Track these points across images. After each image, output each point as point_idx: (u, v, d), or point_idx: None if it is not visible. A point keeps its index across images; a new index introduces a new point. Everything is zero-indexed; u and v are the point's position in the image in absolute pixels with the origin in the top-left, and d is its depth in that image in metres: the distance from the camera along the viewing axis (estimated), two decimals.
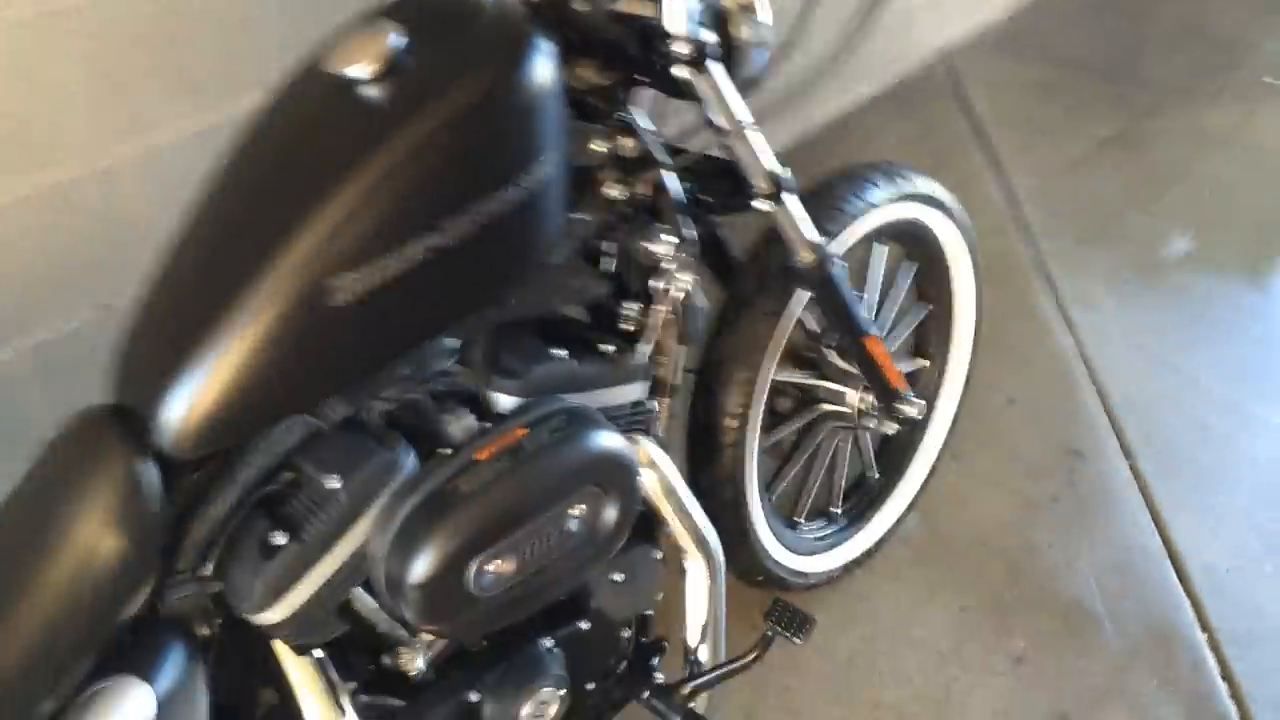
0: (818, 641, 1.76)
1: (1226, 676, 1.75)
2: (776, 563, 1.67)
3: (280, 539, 1.02)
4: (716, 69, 1.18)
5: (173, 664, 0.98)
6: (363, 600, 1.14)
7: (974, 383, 2.03)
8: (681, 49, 1.13)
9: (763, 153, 1.28)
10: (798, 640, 1.33)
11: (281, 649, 1.09)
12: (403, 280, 0.97)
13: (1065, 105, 3.12)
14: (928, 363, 1.89)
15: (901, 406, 1.65)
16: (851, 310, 1.49)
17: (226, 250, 0.98)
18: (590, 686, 1.35)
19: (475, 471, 1.04)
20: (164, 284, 1.00)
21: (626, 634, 1.38)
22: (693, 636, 1.37)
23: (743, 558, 1.61)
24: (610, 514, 1.13)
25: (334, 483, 1.02)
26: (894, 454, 1.92)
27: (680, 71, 1.14)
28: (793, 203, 1.34)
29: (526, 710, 1.23)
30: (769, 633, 1.35)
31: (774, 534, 1.66)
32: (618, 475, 1.12)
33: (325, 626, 1.09)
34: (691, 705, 1.35)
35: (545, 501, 1.07)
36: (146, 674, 0.95)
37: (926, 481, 1.94)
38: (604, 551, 1.16)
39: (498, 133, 1.00)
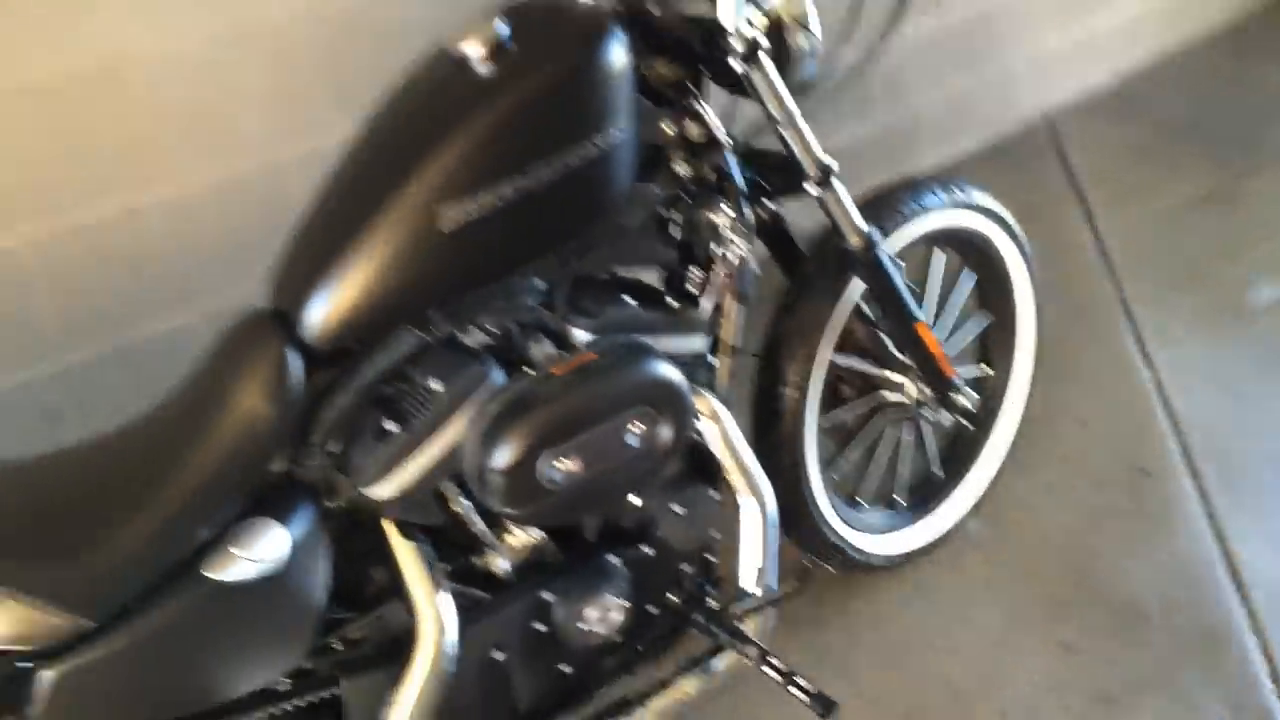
0: (877, 617, 1.92)
1: (1275, 678, 1.81)
2: (835, 533, 1.82)
3: (392, 427, 1.26)
4: (768, 64, 1.41)
5: (304, 518, 1.23)
6: (459, 502, 1.36)
7: (1049, 405, 2.21)
8: (736, 44, 1.37)
9: (812, 143, 1.50)
10: (831, 568, 1.50)
11: (391, 531, 1.32)
12: (496, 214, 1.21)
13: (1163, 165, 3.21)
14: (991, 371, 2.05)
15: (953, 396, 1.81)
16: (901, 296, 1.67)
17: (361, 188, 1.25)
18: (652, 610, 1.53)
19: (550, 383, 1.27)
20: (311, 216, 1.27)
21: (688, 568, 1.56)
22: (744, 569, 1.54)
23: (802, 525, 1.77)
24: (664, 434, 1.33)
25: (437, 386, 1.26)
26: (959, 455, 2.06)
27: (736, 64, 1.38)
28: (840, 189, 1.55)
29: (592, 614, 1.43)
30: (808, 563, 1.52)
31: (833, 507, 1.82)
32: (671, 400, 1.32)
33: (425, 510, 1.32)
34: (739, 626, 1.52)
35: (606, 412, 1.28)
36: (284, 521, 1.20)
37: (992, 485, 2.07)
38: (657, 469, 1.37)
39: (576, 101, 1.24)
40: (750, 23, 1.38)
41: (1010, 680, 1.81)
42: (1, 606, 1.03)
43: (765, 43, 1.39)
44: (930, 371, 1.78)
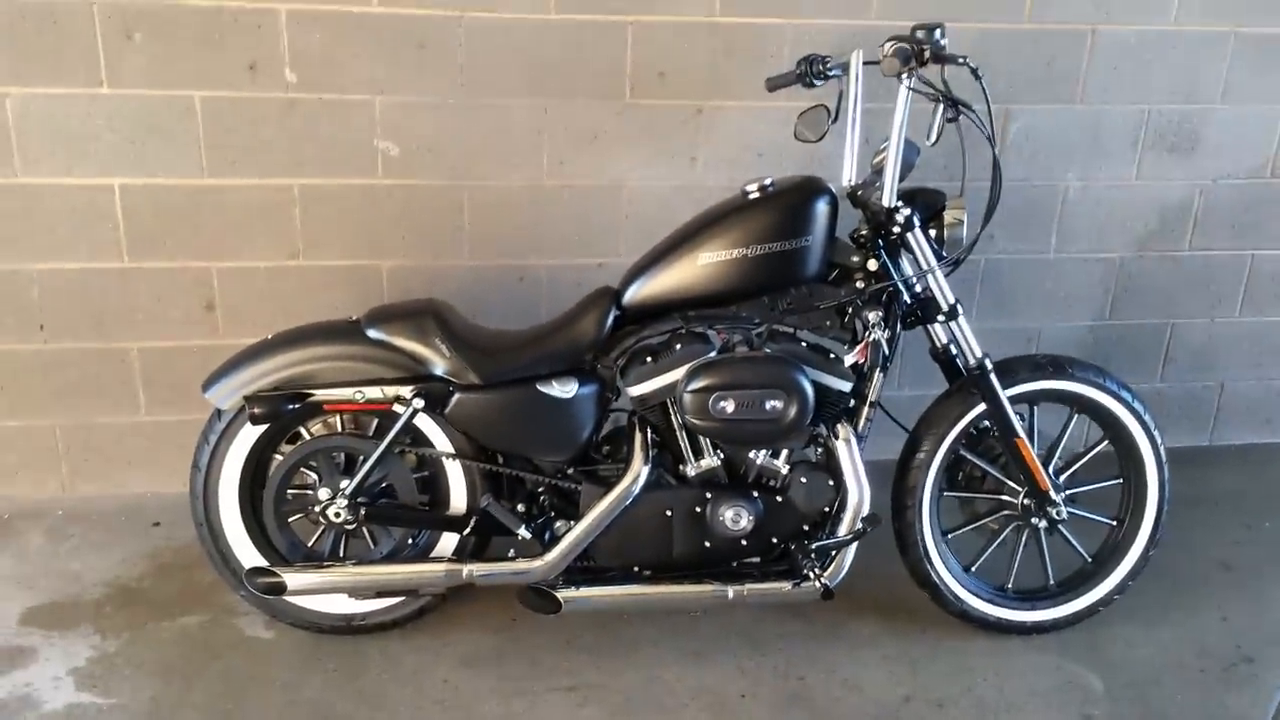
0: (938, 646, 2.62)
1: None
2: (936, 572, 2.59)
3: (649, 360, 2.42)
4: (919, 235, 2.40)
5: (589, 386, 2.42)
6: (675, 420, 2.45)
7: (1202, 595, 2.77)
8: (899, 217, 2.39)
9: (945, 289, 2.44)
10: (870, 529, 2.37)
11: (635, 420, 2.47)
12: (729, 263, 2.35)
13: None
14: (1114, 522, 2.69)
15: (1047, 507, 2.55)
16: (1005, 413, 2.49)
17: (673, 240, 2.44)
18: (773, 535, 2.47)
19: (733, 359, 2.36)
20: (650, 251, 2.49)
21: (804, 522, 2.48)
22: (841, 528, 2.43)
23: (909, 552, 2.60)
24: (789, 414, 2.33)
25: (679, 348, 2.40)
26: (1076, 579, 2.71)
27: (896, 229, 2.39)
28: (963, 323, 2.46)
29: (729, 515, 2.42)
30: (861, 527, 2.38)
31: (940, 555, 2.60)
32: (798, 394, 2.32)
33: (653, 413, 2.45)
34: (813, 554, 2.41)
35: (756, 384, 2.31)
36: (580, 383, 2.41)
37: (1093, 609, 2.68)
38: (782, 435, 2.36)
39: (790, 218, 2.34)
40: (915, 213, 2.40)
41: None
42: (452, 360, 2.35)
43: (917, 222, 2.40)
44: (1027, 480, 2.55)
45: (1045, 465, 2.57)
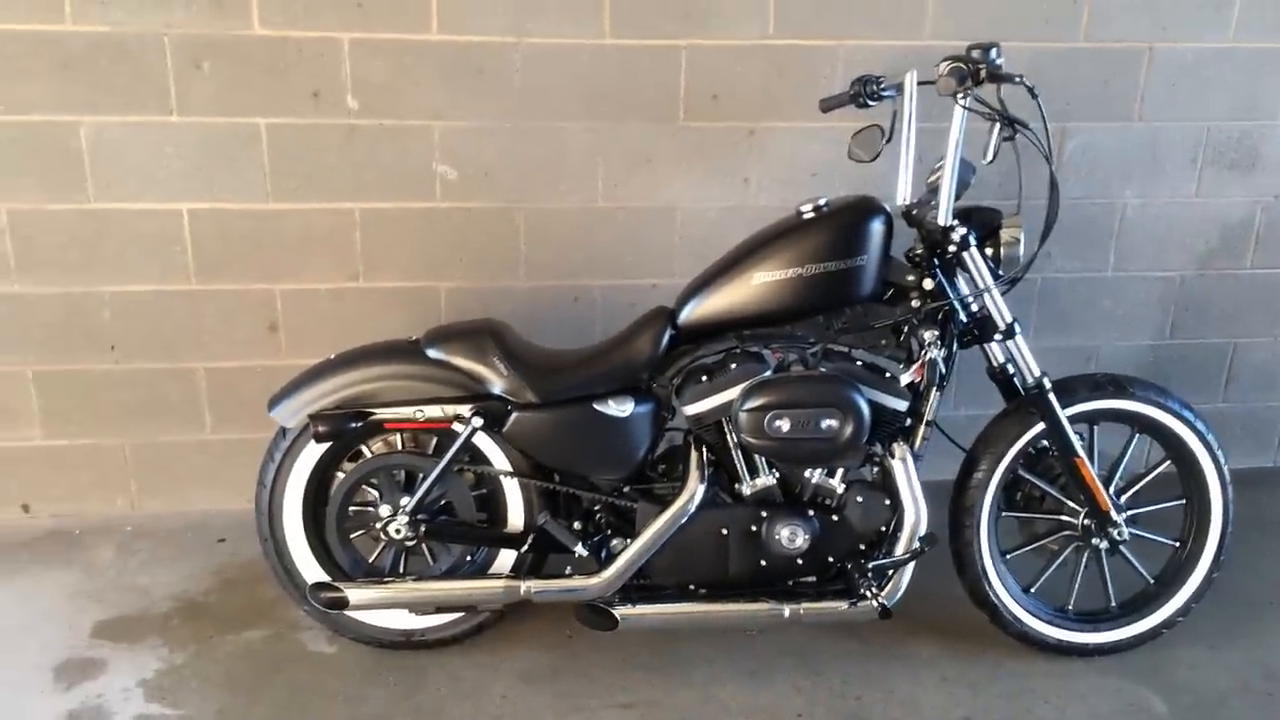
0: (998, 666, 2.60)
1: None
2: (994, 592, 2.57)
3: (704, 379, 2.43)
4: (975, 253, 2.39)
5: (645, 405, 2.45)
6: (731, 439, 2.46)
7: (1268, 627, 2.75)
8: (955, 236, 2.39)
9: (1002, 308, 2.43)
10: (927, 548, 2.35)
11: (691, 439, 2.48)
12: (784, 283, 2.36)
13: None
14: (1177, 544, 2.65)
15: (1107, 527, 2.52)
16: (1064, 432, 2.47)
17: (729, 259, 2.46)
18: (829, 555, 2.47)
19: (789, 378, 2.37)
20: (706, 270, 2.51)
21: (861, 541, 2.47)
22: (898, 548, 2.42)
23: (967, 571, 2.58)
24: (844, 433, 2.33)
25: (734, 367, 2.41)
26: (1138, 601, 2.67)
27: (952, 247, 2.39)
28: (1021, 342, 2.44)
29: (784, 533, 2.42)
30: (919, 546, 2.37)
31: (998, 574, 2.58)
32: (853, 414, 2.32)
33: (709, 432, 2.46)
34: (870, 573, 2.40)
35: (811, 403, 2.32)
36: (635, 401, 2.43)
37: (1156, 631, 2.64)
38: (837, 454, 2.36)
39: (845, 237, 2.36)
40: (971, 231, 2.39)
41: None
42: (510, 379, 2.38)
43: (973, 241, 2.39)
44: (1087, 500, 2.52)
45: (1106, 485, 2.55)
